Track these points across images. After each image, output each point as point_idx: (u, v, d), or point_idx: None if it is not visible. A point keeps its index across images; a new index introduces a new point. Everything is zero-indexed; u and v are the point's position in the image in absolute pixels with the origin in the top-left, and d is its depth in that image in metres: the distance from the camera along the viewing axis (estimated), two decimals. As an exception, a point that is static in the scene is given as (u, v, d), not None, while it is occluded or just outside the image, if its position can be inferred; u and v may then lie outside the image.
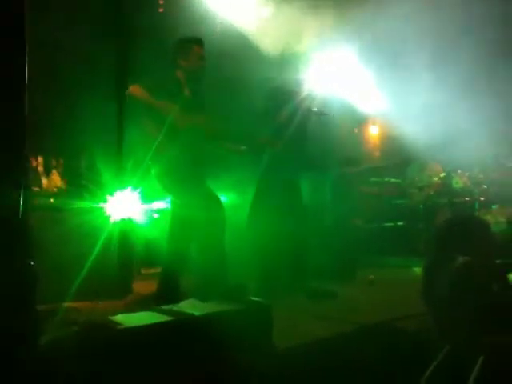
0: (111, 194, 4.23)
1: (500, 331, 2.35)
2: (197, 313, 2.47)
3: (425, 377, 2.24)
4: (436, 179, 7.04)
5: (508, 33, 6.36)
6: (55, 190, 4.40)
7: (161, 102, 3.49)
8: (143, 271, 5.16)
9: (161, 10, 6.03)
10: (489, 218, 6.28)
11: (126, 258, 4.42)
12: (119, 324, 2.34)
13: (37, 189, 4.24)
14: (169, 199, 3.81)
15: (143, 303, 3.74)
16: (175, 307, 2.61)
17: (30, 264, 2.09)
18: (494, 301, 2.47)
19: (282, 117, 4.48)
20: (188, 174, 3.55)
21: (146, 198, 4.57)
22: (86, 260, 3.75)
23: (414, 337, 3.08)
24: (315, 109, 4.84)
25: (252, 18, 6.23)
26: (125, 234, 4.33)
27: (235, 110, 5.21)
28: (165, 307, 2.63)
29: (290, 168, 4.52)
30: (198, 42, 3.73)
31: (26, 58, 1.93)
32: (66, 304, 3.62)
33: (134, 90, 3.52)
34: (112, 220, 4.21)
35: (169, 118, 3.42)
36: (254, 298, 2.83)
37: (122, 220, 4.29)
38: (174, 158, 3.48)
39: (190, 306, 2.62)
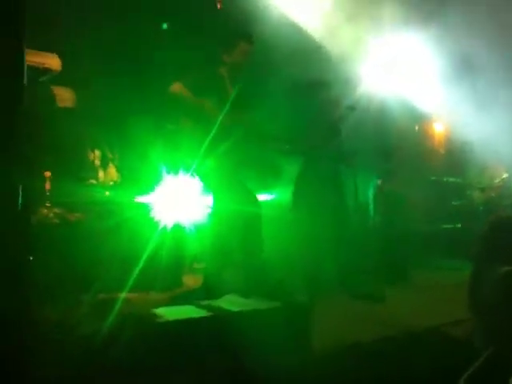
0: (166, 187, 4.33)
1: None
2: (233, 309, 2.51)
3: (463, 377, 2.17)
4: (497, 181, 6.77)
5: None
6: (111, 183, 4.55)
7: (203, 101, 3.51)
8: (195, 265, 5.27)
9: (219, 6, 6.09)
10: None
11: (178, 252, 4.53)
12: (159, 317, 2.42)
13: (93, 181, 4.41)
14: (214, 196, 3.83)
15: (189, 296, 3.82)
16: (214, 302, 2.66)
17: (28, 259, 2.10)
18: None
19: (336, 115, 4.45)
20: (230, 172, 3.58)
21: (201, 191, 4.65)
22: (141, 253, 3.89)
23: (457, 343, 2.98)
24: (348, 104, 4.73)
25: (310, 13, 6.19)
26: (178, 227, 4.42)
27: (284, 109, 5.19)
28: (204, 302, 2.69)
29: (329, 165, 4.46)
30: (246, 37, 3.69)
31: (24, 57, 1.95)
32: (121, 295, 3.77)
33: (176, 88, 3.54)
34: (166, 213, 4.32)
35: (211, 116, 3.44)
36: (293, 297, 2.83)
37: (176, 213, 4.39)
38: (218, 156, 3.51)
39: (229, 302, 2.66)
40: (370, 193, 5.52)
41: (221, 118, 3.52)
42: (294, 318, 2.64)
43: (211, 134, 3.51)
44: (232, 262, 3.61)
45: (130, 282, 3.68)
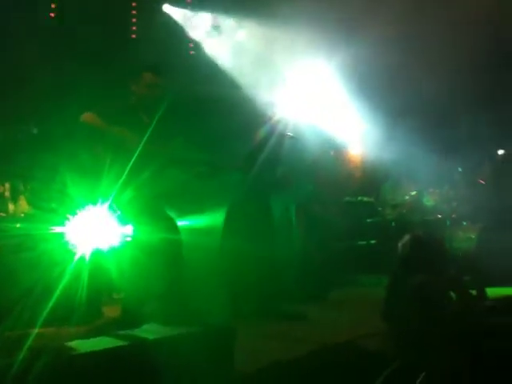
0: (82, 216, 4.22)
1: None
2: (150, 337, 2.48)
3: None
4: (408, 197, 7.14)
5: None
6: (22, 215, 4.39)
7: (118, 129, 3.50)
8: (115, 295, 5.14)
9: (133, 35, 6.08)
10: (460, 234, 6.39)
11: (96, 283, 4.41)
12: (73, 350, 2.35)
13: (3, 214, 4.23)
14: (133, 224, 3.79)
15: (109, 328, 3.73)
16: (131, 332, 2.62)
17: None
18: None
19: (255, 140, 4.55)
20: (146, 198, 3.57)
21: (119, 220, 4.58)
22: (56, 285, 3.76)
23: (372, 355, 3.10)
24: (288, 133, 4.89)
25: (225, 41, 6.35)
26: (96, 257, 4.32)
27: (208, 133, 5.26)
28: (122, 332, 2.64)
29: (263, 191, 4.56)
30: (151, 69, 3.70)
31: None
32: (34, 330, 3.61)
33: (88, 117, 3.51)
34: (82, 243, 4.20)
35: (127, 144, 3.43)
36: (215, 322, 2.84)
37: (93, 243, 4.29)
38: (137, 184, 3.50)
39: (146, 331, 2.63)
40: (292, 215, 5.65)
41: (138, 146, 3.50)
42: (215, 341, 2.65)
43: (129, 161, 3.49)
44: (151, 290, 3.57)
45: (45, 316, 3.55)
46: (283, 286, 4.78)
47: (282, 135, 4.76)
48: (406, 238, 3.14)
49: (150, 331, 2.66)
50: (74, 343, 2.51)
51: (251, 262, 4.37)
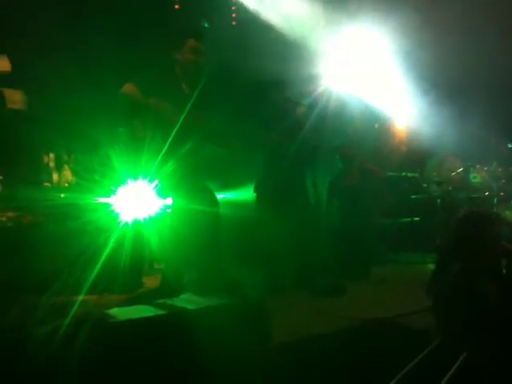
0: (124, 189, 4.28)
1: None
2: (189, 307, 2.50)
3: (404, 371, 2.22)
4: (454, 174, 6.92)
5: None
6: (66, 185, 4.47)
7: (157, 102, 3.47)
8: (156, 266, 5.23)
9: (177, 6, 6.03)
10: (507, 213, 6.16)
11: (138, 253, 4.48)
12: (112, 317, 2.39)
13: (48, 184, 4.33)
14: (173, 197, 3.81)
15: (149, 297, 3.79)
16: (169, 301, 2.64)
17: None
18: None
19: (299, 112, 4.48)
20: (185, 171, 3.56)
21: (159, 193, 4.62)
22: (99, 254, 3.84)
23: (414, 333, 3.04)
24: (333, 102, 4.77)
25: (271, 11, 6.21)
26: (138, 228, 4.38)
27: (243, 109, 5.19)
28: (160, 301, 2.67)
29: (293, 163, 4.49)
30: (194, 34, 3.64)
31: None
32: (78, 297, 3.71)
33: (128, 89, 3.46)
34: (124, 215, 4.27)
35: (168, 117, 3.41)
36: (249, 294, 2.84)
37: (135, 215, 4.34)
38: (176, 157, 3.49)
39: (184, 301, 2.65)
40: (328, 189, 5.56)
41: (178, 118, 3.48)
42: (251, 313, 2.65)
43: (169, 135, 3.48)
44: (190, 261, 3.59)
45: (88, 284, 3.64)
46: (322, 262, 4.72)
47: (324, 109, 4.66)
48: (461, 213, 2.99)
49: (188, 301, 2.68)
50: (114, 311, 2.54)
51: (287, 237, 4.33)
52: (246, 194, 4.99)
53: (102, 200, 4.26)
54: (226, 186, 4.93)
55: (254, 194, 4.60)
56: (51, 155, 4.44)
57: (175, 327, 2.41)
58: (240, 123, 4.33)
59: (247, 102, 5.02)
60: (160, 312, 2.47)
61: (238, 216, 4.38)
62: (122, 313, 2.49)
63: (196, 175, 3.67)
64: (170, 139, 3.47)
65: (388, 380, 2.29)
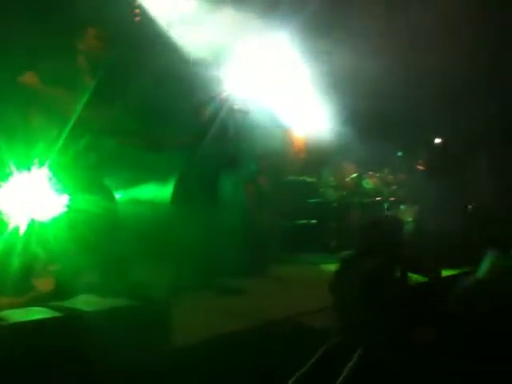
0: (14, 183, 4.01)
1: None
2: (87, 308, 2.39)
3: (300, 372, 2.28)
4: (348, 179, 7.27)
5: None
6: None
7: (58, 92, 3.31)
8: (50, 267, 4.96)
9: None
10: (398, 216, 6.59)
11: (28, 253, 4.22)
12: (2, 320, 2.22)
13: None
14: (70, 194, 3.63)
15: (41, 300, 3.58)
16: (66, 303, 2.51)
17: None
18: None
19: (204, 115, 4.46)
20: (81, 167, 3.43)
21: (55, 188, 4.39)
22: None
23: (312, 332, 3.13)
24: (236, 107, 4.81)
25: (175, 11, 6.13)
26: (29, 227, 4.12)
27: (153, 106, 5.09)
28: (56, 303, 2.53)
29: (210, 166, 4.49)
30: (95, 24, 3.54)
31: None
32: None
33: (29, 78, 3.29)
34: (15, 212, 4.00)
35: (66, 109, 3.25)
36: (151, 295, 2.77)
37: (27, 212, 4.09)
38: (74, 152, 3.34)
39: (83, 302, 2.53)
40: (239, 192, 5.63)
41: (79, 111, 3.33)
42: (153, 314, 2.59)
43: (67, 129, 3.31)
44: (87, 262, 3.45)
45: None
46: (223, 261, 4.75)
47: (232, 111, 4.69)
48: (368, 221, 3.17)
49: (86, 303, 2.56)
50: (2, 313, 2.37)
51: (193, 236, 4.31)
52: (155, 192, 4.91)
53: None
54: (128, 184, 4.78)
55: (165, 194, 4.53)
56: None
57: (69, 330, 2.29)
58: (145, 121, 4.24)
59: (152, 99, 4.93)
60: (53, 314, 2.34)
61: (141, 215, 4.27)
62: (12, 315, 2.32)
63: (93, 171, 3.53)
64: (67, 130, 3.31)
65: (288, 378, 2.34)
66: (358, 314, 2.54)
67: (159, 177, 4.89)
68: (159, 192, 4.85)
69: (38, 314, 2.32)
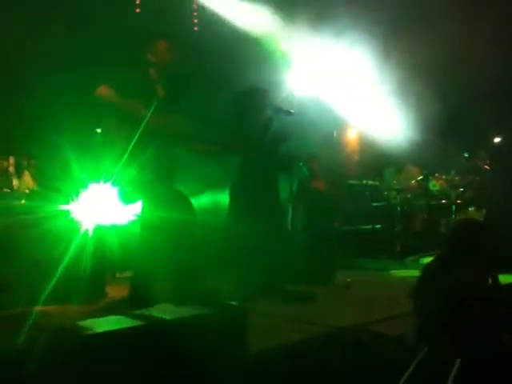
0: (85, 195, 4.13)
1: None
2: (167, 317, 2.41)
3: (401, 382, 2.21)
4: (413, 182, 7.08)
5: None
6: (27, 191, 4.29)
7: (131, 103, 3.39)
8: (118, 275, 5.08)
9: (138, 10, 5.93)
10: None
11: (100, 262, 4.33)
12: (88, 329, 2.27)
13: (7, 190, 4.14)
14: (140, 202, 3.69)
15: (116, 308, 3.67)
16: (146, 311, 2.55)
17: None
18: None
19: (256, 120, 4.45)
20: (158, 176, 3.47)
21: (124, 198, 4.49)
22: (58, 263, 3.69)
23: (387, 340, 3.05)
24: (282, 108, 4.77)
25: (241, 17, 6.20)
26: (99, 236, 4.24)
27: (215, 111, 5.14)
28: (135, 312, 2.57)
29: (265, 169, 4.47)
30: (162, 36, 3.61)
31: None
32: (37, 308, 3.55)
33: (103, 90, 3.39)
34: (86, 222, 4.12)
35: (139, 119, 3.32)
36: (228, 302, 2.78)
37: (97, 222, 4.21)
38: (145, 160, 3.40)
39: (162, 311, 2.56)
40: (297, 195, 5.57)
41: (151, 121, 3.39)
42: (231, 322, 2.59)
43: (140, 139, 3.38)
44: (162, 271, 3.49)
45: (47, 294, 3.50)
46: (290, 268, 4.71)
47: (287, 114, 4.65)
48: (460, 223, 3.02)
49: (164, 311, 2.59)
50: (85, 323, 2.43)
51: (255, 242, 4.29)
52: (217, 198, 4.94)
53: (63, 207, 4.11)
54: (199, 191, 4.84)
55: (226, 200, 4.53)
56: (10, 159, 4.25)
57: (154, 338, 2.32)
58: (214, 128, 4.28)
59: (221, 106, 4.97)
60: (137, 323, 2.37)
61: (209, 222, 4.30)
62: (95, 324, 2.37)
63: (167, 180, 3.57)
64: (139, 141, 3.37)
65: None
66: (447, 327, 2.43)
67: (218, 184, 4.90)
68: (220, 199, 4.87)
69: (121, 323, 2.35)
